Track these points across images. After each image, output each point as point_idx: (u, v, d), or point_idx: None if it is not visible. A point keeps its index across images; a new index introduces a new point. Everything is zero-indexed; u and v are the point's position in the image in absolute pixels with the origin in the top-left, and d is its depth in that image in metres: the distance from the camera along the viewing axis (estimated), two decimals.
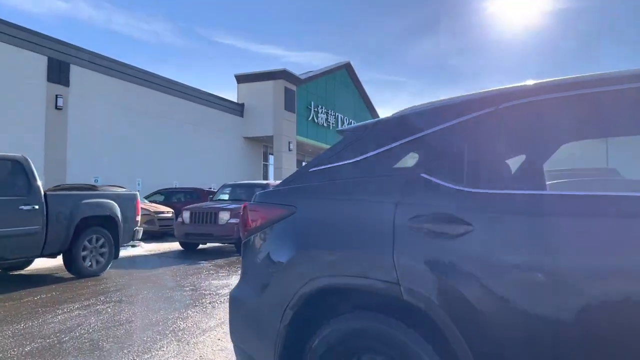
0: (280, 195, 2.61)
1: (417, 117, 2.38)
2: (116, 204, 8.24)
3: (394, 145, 2.38)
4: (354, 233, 2.17)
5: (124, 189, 15.97)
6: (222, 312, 5.51)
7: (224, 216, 11.19)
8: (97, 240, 7.98)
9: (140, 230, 8.85)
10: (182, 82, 25.15)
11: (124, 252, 10.68)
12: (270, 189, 2.80)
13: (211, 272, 8.50)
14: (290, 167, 30.12)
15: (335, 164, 2.58)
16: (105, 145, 20.09)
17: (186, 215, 11.69)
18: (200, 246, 12.90)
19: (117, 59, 21.21)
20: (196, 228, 11.40)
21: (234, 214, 11.14)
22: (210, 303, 6.01)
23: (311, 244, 2.30)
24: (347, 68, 38.86)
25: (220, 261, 10.12)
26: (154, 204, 15.92)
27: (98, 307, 5.75)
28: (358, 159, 2.49)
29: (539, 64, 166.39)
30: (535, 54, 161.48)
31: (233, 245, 11.64)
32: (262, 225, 2.54)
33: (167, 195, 18.15)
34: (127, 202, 8.57)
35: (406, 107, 2.59)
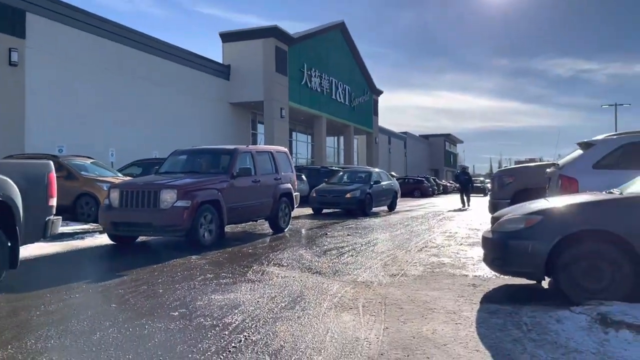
0: None
1: None
2: (11, 182, 4.75)
3: None
4: None
5: (91, 160, 13.47)
6: None
7: (168, 197, 7.85)
8: None
9: (57, 222, 5.56)
10: (161, 39, 22.15)
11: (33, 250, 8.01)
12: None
13: (139, 299, 4.85)
14: (282, 136, 27.43)
15: None
16: (72, 109, 17.18)
17: (114, 195, 8.16)
18: (141, 238, 9.06)
19: (84, 9, 18.13)
20: (127, 215, 7.99)
21: (183, 193, 7.89)
22: None
23: None
24: (342, 29, 35.86)
25: (164, 269, 7.41)
26: (128, 179, 13.25)
27: None
28: None
29: (520, 35, 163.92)
30: (516, 24, 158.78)
31: (183, 237, 8.13)
32: None
33: (146, 168, 15.44)
34: (33, 177, 5.29)
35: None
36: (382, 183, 16.86)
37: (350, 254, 7.61)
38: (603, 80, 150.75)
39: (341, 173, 17.93)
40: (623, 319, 3.67)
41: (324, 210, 16.00)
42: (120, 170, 14.76)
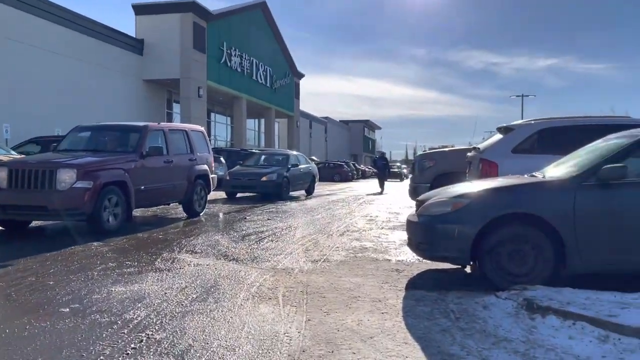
0: None
1: None
2: None
3: None
4: None
5: None
6: None
7: (67, 177, 6.99)
8: None
9: None
10: (63, 5, 20.29)
11: None
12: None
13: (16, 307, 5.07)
14: (200, 115, 26.34)
15: None
16: None
17: (2, 175, 7.11)
18: (36, 222, 8.25)
19: None
20: (17, 196, 7.02)
21: (84, 173, 7.07)
22: None
23: None
24: (263, 8, 34.97)
25: (53, 259, 6.80)
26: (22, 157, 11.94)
27: None
28: None
29: (437, 26, 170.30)
30: (434, 16, 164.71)
31: (84, 222, 7.34)
32: None
33: (45, 145, 14.03)
34: None
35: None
36: (300, 166, 16.39)
37: (270, 239, 7.23)
38: (510, 73, 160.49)
39: (257, 155, 17.38)
40: (549, 304, 3.58)
41: (239, 195, 15.36)
42: (15, 149, 13.32)
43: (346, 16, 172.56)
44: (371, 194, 18.93)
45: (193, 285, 4.53)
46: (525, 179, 4.83)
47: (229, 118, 34.70)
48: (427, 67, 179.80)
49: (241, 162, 16.90)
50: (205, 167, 10.02)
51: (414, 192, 9.70)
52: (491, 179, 5.63)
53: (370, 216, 10.51)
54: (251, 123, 40.72)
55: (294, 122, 42.32)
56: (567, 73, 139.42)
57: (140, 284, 4.52)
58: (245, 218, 9.66)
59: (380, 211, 11.64)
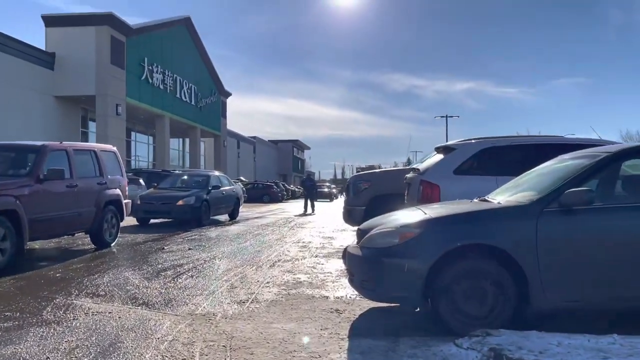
0: None
1: None
2: None
3: None
4: None
5: None
6: None
7: None
8: None
9: None
10: None
11: None
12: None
13: None
14: (118, 135, 24.66)
15: None
16: None
17: None
18: None
19: None
20: None
21: None
22: None
23: None
24: (187, 24, 33.83)
25: None
26: None
27: None
28: None
29: (361, 49, 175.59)
30: (359, 38, 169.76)
31: None
32: None
33: None
34: None
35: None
36: (223, 188, 15.09)
37: (189, 274, 6.33)
38: (431, 95, 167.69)
39: (175, 177, 15.80)
40: (520, 356, 3.03)
41: (159, 221, 14.02)
42: None
43: (273, 37, 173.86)
44: (302, 216, 18.28)
45: (87, 343, 3.61)
46: (478, 204, 4.34)
47: (151, 137, 32.94)
48: (352, 89, 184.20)
49: (155, 184, 15.53)
50: (118, 191, 8.92)
51: (348, 216, 9.14)
52: (439, 204, 5.12)
53: (303, 242, 9.81)
54: (175, 142, 39.02)
55: (220, 142, 41.05)
56: (484, 96, 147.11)
57: (16, 346, 3.54)
58: (163, 248, 8.65)
59: (313, 236, 10.97)
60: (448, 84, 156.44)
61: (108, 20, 23.59)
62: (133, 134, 32.32)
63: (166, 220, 13.95)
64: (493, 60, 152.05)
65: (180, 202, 13.02)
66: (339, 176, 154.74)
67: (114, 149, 9.57)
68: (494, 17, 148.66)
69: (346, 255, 4.43)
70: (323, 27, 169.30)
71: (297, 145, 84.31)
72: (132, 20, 28.05)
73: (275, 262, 7.33)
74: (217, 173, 16.40)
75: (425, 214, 4.16)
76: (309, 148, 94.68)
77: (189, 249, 8.63)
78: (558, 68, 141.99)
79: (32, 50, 22.19)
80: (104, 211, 8.42)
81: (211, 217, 14.41)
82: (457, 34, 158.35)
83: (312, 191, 22.66)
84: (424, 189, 6.38)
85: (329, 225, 13.93)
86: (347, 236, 10.85)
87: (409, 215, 4.31)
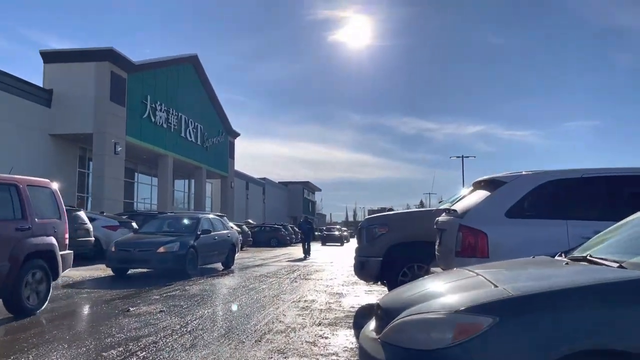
0: None
1: None
2: None
3: None
4: None
5: None
6: None
7: None
8: None
9: None
10: None
11: None
12: None
13: None
14: (116, 175, 23.33)
15: None
16: None
17: None
18: None
19: None
20: None
21: None
22: None
23: None
24: (194, 63, 33.06)
25: None
26: None
27: None
28: None
29: (372, 93, 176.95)
30: (369, 83, 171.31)
31: None
32: None
33: None
34: None
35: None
36: (215, 233, 13.06)
37: (142, 355, 4.57)
38: (442, 138, 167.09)
39: (160, 220, 13.75)
40: None
41: (140, 270, 12.14)
42: None
43: (284, 82, 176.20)
44: (309, 263, 16.44)
45: None
46: (579, 268, 2.60)
47: (155, 178, 31.56)
48: (363, 132, 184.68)
49: (136, 228, 13.86)
50: (50, 240, 6.84)
51: (361, 268, 7.36)
52: (501, 265, 3.33)
53: (305, 301, 7.97)
54: (180, 184, 37.74)
55: (228, 183, 39.65)
56: (494, 139, 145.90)
57: None
58: (128, 310, 6.89)
59: (318, 291, 9.14)
60: (458, 127, 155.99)
61: (108, 55, 22.65)
62: (137, 174, 31.10)
63: (148, 270, 12.12)
64: (503, 103, 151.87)
65: (161, 250, 11.11)
66: (351, 218, 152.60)
67: (51, 184, 7.50)
68: (504, 62, 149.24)
69: (361, 350, 2.69)
70: (334, 72, 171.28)
71: (308, 187, 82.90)
72: (138, 56, 27.28)
73: (265, 333, 5.53)
74: (210, 215, 14.54)
75: (494, 285, 2.41)
76: (319, 190, 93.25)
77: (160, 311, 6.86)
78: (568, 111, 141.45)
79: (27, 86, 21.19)
80: (23, 267, 6.33)
81: (201, 266, 12.51)
82: (467, 77, 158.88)
83: (309, 234, 22.34)
84: (465, 237, 4.64)
85: (338, 276, 12.07)
86: (360, 292, 9.02)
87: (462, 287, 2.57)
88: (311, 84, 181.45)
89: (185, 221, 13.06)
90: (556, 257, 3.10)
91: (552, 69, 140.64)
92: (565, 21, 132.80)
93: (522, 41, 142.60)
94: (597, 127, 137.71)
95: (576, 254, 2.99)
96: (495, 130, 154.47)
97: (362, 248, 7.39)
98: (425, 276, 3.39)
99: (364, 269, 7.20)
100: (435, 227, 5.55)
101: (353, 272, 12.01)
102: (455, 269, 3.42)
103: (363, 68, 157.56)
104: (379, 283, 7.85)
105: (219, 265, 13.83)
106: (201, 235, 12.21)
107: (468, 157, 48.10)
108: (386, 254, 6.95)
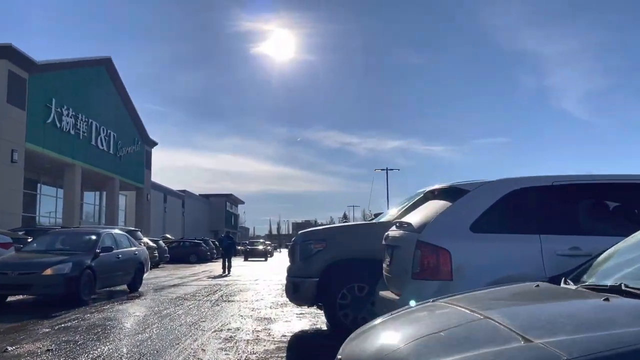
0: None
1: None
2: None
3: None
4: None
5: None
6: None
7: None
8: None
9: None
10: None
11: None
12: None
13: None
14: (13, 186, 20.84)
15: None
16: None
17: None
18: None
19: None
20: None
21: None
22: None
23: None
24: (107, 66, 30.79)
25: None
26: None
27: None
28: None
29: (296, 107, 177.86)
30: (293, 96, 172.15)
31: None
32: None
33: None
34: None
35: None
36: (118, 250, 11.31)
37: None
38: (364, 152, 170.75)
39: (51, 236, 11.75)
40: None
41: (18, 298, 10.21)
42: None
43: (207, 93, 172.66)
44: (232, 281, 15.26)
45: None
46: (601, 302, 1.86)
47: (60, 190, 28.83)
48: (286, 145, 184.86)
49: (21, 245, 11.73)
50: None
51: (294, 291, 6.46)
52: (517, 294, 2.54)
53: (228, 329, 6.89)
54: (91, 196, 34.96)
55: (143, 195, 37.25)
56: (412, 153, 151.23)
57: None
58: (6, 350, 5.52)
59: (244, 316, 8.08)
60: (378, 142, 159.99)
61: (6, 53, 20.29)
62: (39, 185, 28.27)
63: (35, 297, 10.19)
64: (421, 119, 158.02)
65: (48, 272, 9.14)
66: (274, 231, 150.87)
67: None
68: (423, 80, 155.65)
69: None
70: (257, 84, 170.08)
71: (231, 199, 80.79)
72: (43, 56, 24.77)
73: None
74: (114, 231, 12.65)
75: (523, 338, 1.60)
76: (242, 203, 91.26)
77: (47, 350, 5.54)
78: (479, 129, 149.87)
79: None
80: None
81: (102, 290, 10.91)
82: (388, 94, 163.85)
83: (230, 250, 22.02)
84: (424, 255, 3.89)
85: (265, 296, 11.05)
86: (290, 316, 8.08)
87: (467, 340, 1.75)
88: (234, 95, 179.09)
89: (83, 237, 11.17)
90: (565, 285, 2.39)
91: (465, 87, 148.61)
92: (479, 44, 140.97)
93: (440, 61, 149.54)
94: (504, 143, 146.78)
95: (595, 280, 2.28)
96: (413, 145, 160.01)
97: (296, 267, 6.48)
98: (395, 313, 2.55)
99: (298, 292, 6.30)
100: (384, 242, 4.78)
101: (280, 291, 11.05)
102: (431, 301, 2.61)
103: (287, 81, 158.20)
104: (315, 306, 6.97)
105: (125, 288, 12.15)
106: (101, 254, 10.42)
107: (392, 169, 48.83)
108: (323, 274, 6.11)
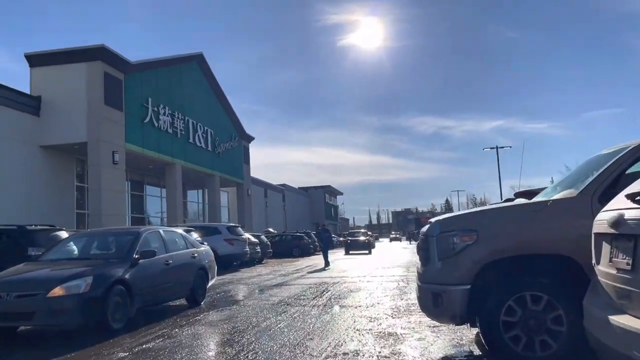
0: None
1: None
2: None
3: None
4: None
5: None
6: None
7: None
8: None
9: None
10: None
11: None
12: None
13: None
14: (116, 187, 20.88)
15: None
16: None
17: None
18: None
19: None
20: None
21: None
22: None
23: None
24: (199, 61, 30.60)
25: None
26: None
27: None
28: None
29: (387, 95, 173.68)
30: (383, 85, 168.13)
31: None
32: None
33: None
34: None
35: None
36: (169, 255, 8.51)
37: None
38: (461, 135, 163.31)
39: (78, 237, 9.13)
40: None
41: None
42: None
43: (298, 90, 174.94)
44: (339, 278, 13.65)
45: None
46: None
47: (163, 189, 29.12)
48: (379, 134, 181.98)
49: (38, 255, 8.72)
50: None
51: (436, 305, 4.53)
52: None
53: (345, 353, 5.15)
54: (194, 194, 35.35)
55: (244, 191, 37.07)
56: (514, 133, 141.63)
57: None
58: None
59: (360, 330, 6.29)
60: (476, 123, 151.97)
61: (100, 54, 20.25)
62: (145, 187, 28.79)
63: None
64: (520, 97, 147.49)
65: (56, 291, 6.31)
66: (374, 221, 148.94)
67: None
68: (519, 55, 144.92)
69: None
70: (347, 76, 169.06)
71: (329, 191, 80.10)
72: (137, 56, 24.93)
73: None
74: (161, 229, 9.44)
75: None
76: (341, 194, 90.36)
77: None
78: (587, 101, 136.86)
79: (12, 94, 18.89)
80: None
81: (145, 308, 7.76)
82: (482, 73, 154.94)
83: (328, 243, 22.09)
84: None
85: (382, 299, 9.18)
86: (423, 329, 6.16)
87: None
88: (324, 89, 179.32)
89: (115, 239, 8.50)
90: None
91: (567, 60, 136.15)
92: (577, 7, 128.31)
93: (537, 33, 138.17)
94: (619, 114, 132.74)
95: None
96: (514, 124, 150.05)
97: (433, 270, 4.56)
98: None
99: (441, 305, 4.39)
100: (597, 231, 2.76)
101: (398, 292, 9.24)
102: None
103: (376, 70, 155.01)
104: (467, 325, 4.94)
105: (183, 302, 9.26)
106: (140, 261, 7.59)
107: (503, 147, 44.81)
108: (477, 279, 4.18)
